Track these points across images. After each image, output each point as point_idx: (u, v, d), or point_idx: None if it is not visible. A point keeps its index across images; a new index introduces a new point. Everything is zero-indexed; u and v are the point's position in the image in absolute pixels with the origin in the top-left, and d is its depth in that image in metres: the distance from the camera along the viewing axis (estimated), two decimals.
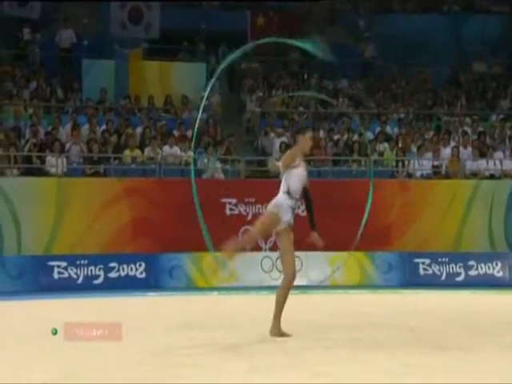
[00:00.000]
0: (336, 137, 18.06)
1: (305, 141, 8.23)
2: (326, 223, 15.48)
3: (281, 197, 8.16)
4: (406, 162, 17.57)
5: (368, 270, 16.11)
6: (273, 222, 8.09)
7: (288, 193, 8.17)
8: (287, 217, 8.07)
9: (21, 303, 12.45)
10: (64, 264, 14.97)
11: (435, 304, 12.42)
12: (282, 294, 8.08)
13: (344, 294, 14.30)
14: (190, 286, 15.23)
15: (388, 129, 18.70)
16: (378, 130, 18.42)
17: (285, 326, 8.10)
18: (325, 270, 15.68)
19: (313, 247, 8.47)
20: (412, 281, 15.96)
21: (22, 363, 6.65)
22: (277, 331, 8.03)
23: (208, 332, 8.49)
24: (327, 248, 15.02)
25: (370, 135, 18.25)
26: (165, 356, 6.77)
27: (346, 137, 17.99)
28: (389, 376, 6.04)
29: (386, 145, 17.73)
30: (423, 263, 16.20)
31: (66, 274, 14.98)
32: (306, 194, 8.32)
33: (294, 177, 8.19)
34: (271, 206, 8.16)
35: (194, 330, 8.74)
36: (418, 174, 17.42)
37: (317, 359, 6.81)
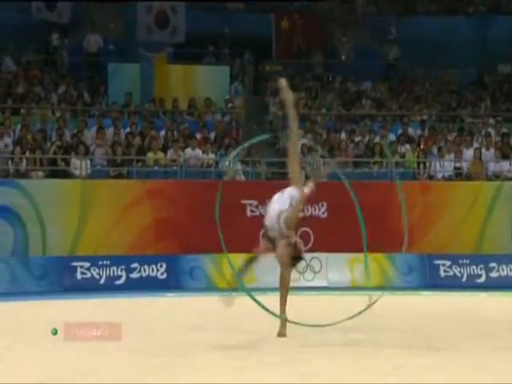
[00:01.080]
0: (357, 139, 18.07)
1: None
2: (346, 225, 15.73)
3: None
4: (428, 164, 17.54)
5: (388, 271, 16.11)
6: None
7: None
8: None
9: (40, 303, 12.65)
10: (87, 265, 15.25)
11: (450, 306, 12.37)
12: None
13: (362, 295, 14.24)
14: (210, 287, 15.39)
15: (411, 131, 18.64)
16: (400, 131, 18.40)
17: (289, 326, 8.20)
18: (344, 272, 15.77)
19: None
20: (432, 283, 15.94)
21: (23, 363, 6.74)
22: (285, 331, 8.11)
23: (209, 332, 8.58)
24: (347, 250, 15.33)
25: (392, 137, 18.25)
26: (162, 356, 6.85)
27: (367, 138, 17.99)
28: (386, 376, 6.09)
29: (407, 146, 17.70)
30: (444, 265, 16.15)
31: (89, 275, 15.25)
32: None
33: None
34: None
35: (196, 330, 8.82)
36: (440, 175, 17.38)
37: (315, 359, 6.87)
